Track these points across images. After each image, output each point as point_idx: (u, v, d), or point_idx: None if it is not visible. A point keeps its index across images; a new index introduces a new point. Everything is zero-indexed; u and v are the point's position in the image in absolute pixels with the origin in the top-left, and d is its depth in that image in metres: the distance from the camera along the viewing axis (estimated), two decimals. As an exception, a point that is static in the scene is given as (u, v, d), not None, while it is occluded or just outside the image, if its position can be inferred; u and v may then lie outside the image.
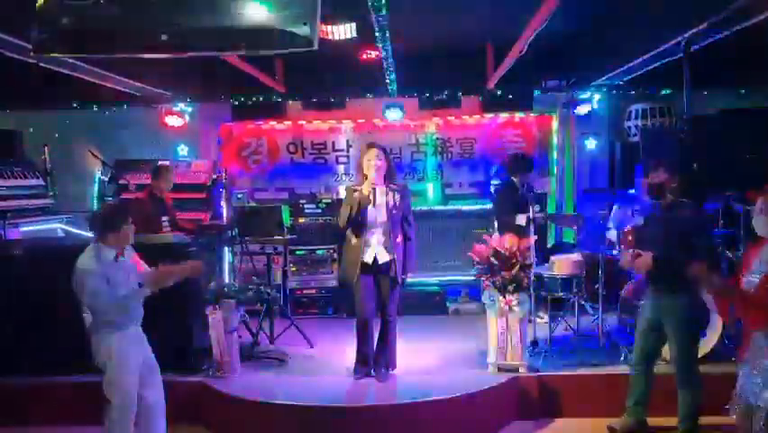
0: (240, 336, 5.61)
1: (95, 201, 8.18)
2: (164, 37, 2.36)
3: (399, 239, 5.13)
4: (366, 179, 5.05)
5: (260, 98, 8.04)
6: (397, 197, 5.08)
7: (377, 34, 4.99)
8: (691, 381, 4.33)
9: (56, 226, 7.24)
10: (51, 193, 7.63)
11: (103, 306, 3.83)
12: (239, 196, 8.23)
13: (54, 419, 5.07)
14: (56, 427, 5.01)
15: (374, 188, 5.01)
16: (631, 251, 4.37)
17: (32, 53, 2.78)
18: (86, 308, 3.95)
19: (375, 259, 5.08)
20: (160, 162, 6.91)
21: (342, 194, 5.62)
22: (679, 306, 4.26)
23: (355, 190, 5.08)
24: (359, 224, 5.05)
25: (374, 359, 5.27)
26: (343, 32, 5.73)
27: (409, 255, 5.18)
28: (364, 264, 5.07)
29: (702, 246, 4.15)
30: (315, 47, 2.52)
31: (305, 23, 2.41)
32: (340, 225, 5.23)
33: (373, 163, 5.02)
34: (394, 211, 5.06)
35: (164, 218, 6.17)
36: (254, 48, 2.78)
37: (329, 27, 5.18)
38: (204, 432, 5.02)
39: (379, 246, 5.08)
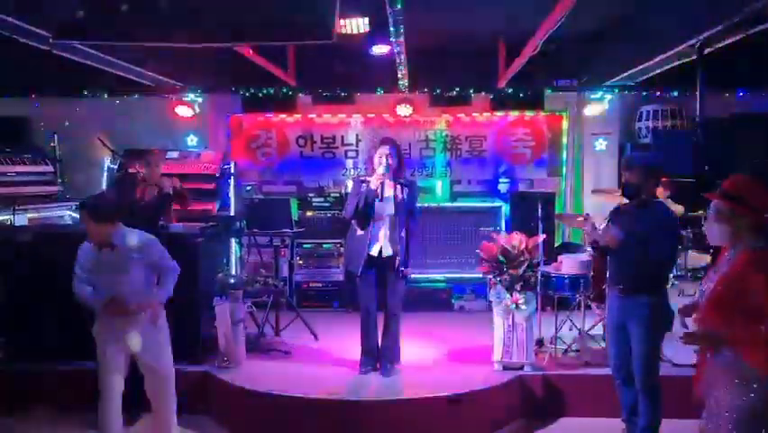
0: (246, 328, 5.62)
1: (104, 189, 8.19)
2: (183, 28, 2.37)
3: (403, 233, 5.15)
4: (375, 172, 5.09)
5: (271, 91, 8.04)
6: (405, 190, 5.13)
7: (390, 29, 4.97)
8: (653, 385, 4.17)
9: (64, 213, 7.28)
10: (60, 180, 7.67)
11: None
12: (247, 188, 8.25)
13: (66, 404, 5.08)
14: (69, 414, 5.00)
15: (382, 182, 5.05)
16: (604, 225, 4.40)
17: (51, 40, 2.78)
18: None
19: (380, 252, 5.11)
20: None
21: (351, 187, 5.63)
22: (642, 305, 4.10)
23: (363, 181, 5.14)
24: (365, 216, 5.08)
25: (379, 353, 5.29)
26: (356, 26, 5.73)
27: (410, 250, 5.19)
28: (369, 257, 5.10)
29: (658, 249, 4.03)
30: (333, 39, 2.52)
31: (323, 16, 2.42)
32: (346, 216, 5.27)
33: (384, 159, 5.08)
34: (401, 205, 5.09)
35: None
36: (271, 39, 2.79)
37: (342, 21, 5.18)
38: (208, 422, 5.05)
39: (385, 239, 5.11)
